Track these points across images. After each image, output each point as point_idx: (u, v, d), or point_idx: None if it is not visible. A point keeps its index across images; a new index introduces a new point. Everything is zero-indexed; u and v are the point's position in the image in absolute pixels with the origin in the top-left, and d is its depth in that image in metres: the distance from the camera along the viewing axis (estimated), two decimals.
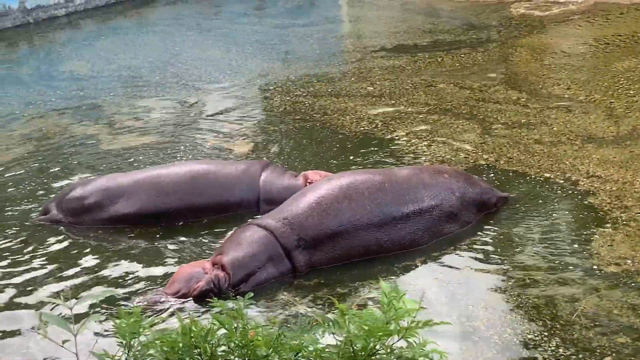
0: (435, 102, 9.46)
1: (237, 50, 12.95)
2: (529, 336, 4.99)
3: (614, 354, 4.74)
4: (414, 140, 8.26)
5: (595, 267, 5.71)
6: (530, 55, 11.14)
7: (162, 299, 5.57)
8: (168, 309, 5.48)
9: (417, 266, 5.95)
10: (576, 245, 6.03)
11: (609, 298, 5.32)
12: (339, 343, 2.93)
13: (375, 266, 5.96)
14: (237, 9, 16.29)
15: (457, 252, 6.11)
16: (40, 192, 7.78)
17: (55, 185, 7.92)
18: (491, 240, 6.24)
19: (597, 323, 5.06)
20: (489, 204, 6.62)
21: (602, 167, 7.23)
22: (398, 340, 2.96)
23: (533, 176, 7.17)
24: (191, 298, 5.55)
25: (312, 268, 5.96)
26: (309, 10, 15.87)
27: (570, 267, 5.74)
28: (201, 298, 5.47)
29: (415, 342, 3.02)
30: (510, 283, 5.62)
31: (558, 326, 5.06)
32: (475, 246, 6.17)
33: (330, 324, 2.93)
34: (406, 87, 10.16)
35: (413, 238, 6.12)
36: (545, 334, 5.00)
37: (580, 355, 4.76)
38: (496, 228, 6.42)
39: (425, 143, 8.16)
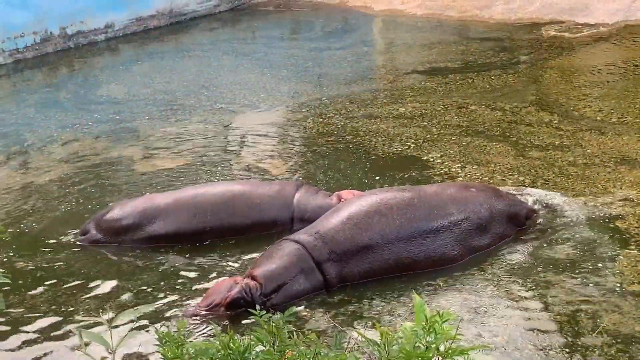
0: (467, 123, 9.43)
1: (271, 74, 13.01)
2: (551, 352, 4.95)
3: None
4: (447, 162, 8.23)
5: (618, 285, 5.67)
6: (560, 77, 11.07)
7: (197, 312, 5.63)
8: (203, 321, 5.53)
9: (439, 285, 5.95)
10: (600, 265, 5.98)
11: (631, 316, 5.27)
12: None
13: (396, 284, 5.98)
14: (274, 33, 16.37)
15: (480, 270, 6.09)
16: (78, 213, 7.85)
17: (93, 206, 7.99)
18: (514, 258, 6.22)
19: (619, 340, 5.01)
20: (520, 215, 6.63)
21: (636, 189, 7.14)
22: None
23: (568, 200, 7.09)
24: (224, 308, 5.63)
25: (344, 283, 6.01)
26: (344, 33, 15.90)
27: (593, 285, 5.69)
28: (234, 306, 5.61)
29: None
30: (533, 300, 5.59)
31: (580, 343, 5.03)
32: (497, 264, 6.16)
33: (371, 345, 2.92)
34: (438, 108, 10.15)
35: (443, 251, 6.15)
36: (567, 350, 4.96)
37: None
38: (520, 247, 6.40)
39: (459, 165, 8.13)
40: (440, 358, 2.98)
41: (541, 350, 4.99)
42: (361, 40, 15.15)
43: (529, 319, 5.35)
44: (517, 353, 4.96)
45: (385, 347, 2.91)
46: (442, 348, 2.99)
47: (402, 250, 6.07)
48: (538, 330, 5.22)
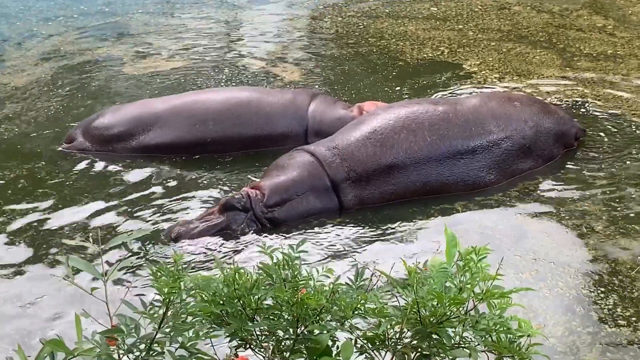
0: (508, 27, 9.32)
1: None
2: (584, 291, 4.90)
3: None
4: (484, 72, 8.13)
5: None
6: None
7: (188, 225, 5.61)
8: (197, 233, 5.54)
9: (457, 210, 5.89)
10: None
11: None
12: (404, 306, 2.84)
13: (410, 207, 5.91)
14: None
15: (506, 196, 6.01)
16: (61, 118, 7.77)
17: (77, 111, 7.91)
18: (548, 184, 6.14)
19: None
20: (569, 135, 6.53)
21: None
22: (474, 307, 2.86)
23: (620, 119, 6.97)
24: (218, 213, 5.64)
25: (362, 206, 5.96)
26: None
27: (634, 216, 5.62)
28: (228, 209, 5.64)
29: (494, 306, 2.91)
30: (565, 232, 5.52)
31: (616, 282, 4.98)
32: (528, 190, 6.07)
33: (397, 285, 2.84)
34: (475, 9, 10.01)
35: (478, 174, 6.06)
36: (602, 290, 4.91)
37: None
38: (556, 171, 6.31)
39: (497, 75, 8.03)
40: (477, 301, 2.91)
41: (572, 288, 4.92)
42: None
43: (560, 252, 5.27)
44: (546, 291, 4.89)
45: (414, 288, 2.82)
46: (477, 290, 2.90)
47: (432, 172, 5.99)
48: (570, 266, 5.14)
